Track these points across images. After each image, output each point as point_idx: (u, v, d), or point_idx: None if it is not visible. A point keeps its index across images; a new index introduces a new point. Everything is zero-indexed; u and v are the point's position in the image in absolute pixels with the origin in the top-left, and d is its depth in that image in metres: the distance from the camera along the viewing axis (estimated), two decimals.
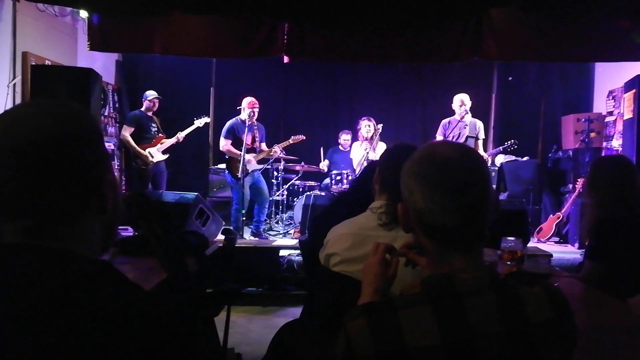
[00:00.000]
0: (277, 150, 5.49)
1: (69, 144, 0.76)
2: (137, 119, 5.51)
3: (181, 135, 5.60)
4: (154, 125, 5.60)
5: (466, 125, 5.26)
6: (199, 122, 5.74)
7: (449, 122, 5.39)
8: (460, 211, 0.87)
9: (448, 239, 0.91)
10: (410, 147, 1.12)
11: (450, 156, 0.89)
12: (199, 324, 1.38)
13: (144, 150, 5.46)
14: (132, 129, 5.46)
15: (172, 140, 5.58)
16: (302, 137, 5.68)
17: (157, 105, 5.62)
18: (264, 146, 5.50)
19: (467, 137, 5.25)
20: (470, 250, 0.91)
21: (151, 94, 5.59)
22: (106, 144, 4.78)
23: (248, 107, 5.25)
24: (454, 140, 5.31)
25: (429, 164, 0.90)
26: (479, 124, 5.36)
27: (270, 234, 5.67)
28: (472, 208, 0.88)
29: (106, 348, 0.67)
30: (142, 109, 5.58)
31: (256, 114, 5.28)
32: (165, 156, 5.60)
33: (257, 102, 5.30)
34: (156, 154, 5.51)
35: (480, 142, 5.38)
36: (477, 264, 0.93)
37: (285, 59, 5.30)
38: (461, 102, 5.26)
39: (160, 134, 5.61)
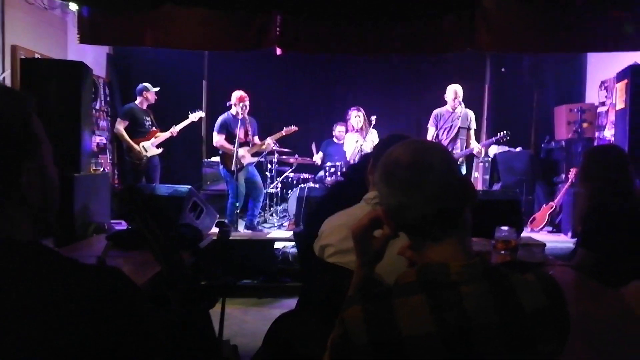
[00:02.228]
0: (270, 142, 5.48)
1: None
2: (131, 112, 5.46)
3: (176, 129, 5.56)
4: (148, 119, 5.56)
5: (458, 116, 5.27)
6: (194, 117, 5.70)
7: (441, 114, 5.39)
8: (417, 206, 0.93)
9: (417, 232, 0.96)
10: (404, 138, 1.12)
11: (399, 158, 0.96)
12: (193, 315, 1.38)
13: (138, 145, 5.41)
14: (127, 123, 5.41)
15: (166, 135, 5.54)
16: (294, 128, 5.66)
17: (154, 98, 5.58)
18: (256, 139, 5.49)
19: (459, 128, 5.26)
20: (442, 239, 0.93)
21: (150, 87, 5.53)
22: (98, 138, 4.72)
23: (238, 101, 5.23)
24: (446, 131, 5.31)
25: (384, 168, 0.98)
26: (471, 114, 5.36)
27: (264, 227, 5.67)
28: (429, 201, 0.92)
29: (43, 327, 0.66)
30: (136, 102, 5.53)
31: (247, 108, 5.26)
32: (159, 150, 5.56)
33: (246, 96, 5.28)
34: (150, 148, 5.47)
35: (472, 132, 5.38)
36: (465, 252, 0.94)
37: (278, 51, 5.27)
38: (454, 93, 5.26)
39: (154, 128, 5.57)
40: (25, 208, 0.76)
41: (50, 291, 0.68)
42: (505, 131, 5.25)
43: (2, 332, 0.65)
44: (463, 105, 5.30)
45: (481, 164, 6.37)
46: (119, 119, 5.50)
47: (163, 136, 5.53)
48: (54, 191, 0.82)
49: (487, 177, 6.44)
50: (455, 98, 5.25)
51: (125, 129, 5.39)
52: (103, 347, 0.69)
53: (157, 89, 5.58)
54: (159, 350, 0.78)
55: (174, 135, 5.57)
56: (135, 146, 5.39)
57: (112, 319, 0.70)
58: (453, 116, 5.29)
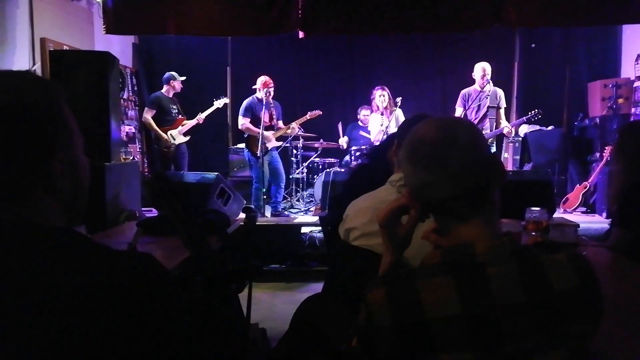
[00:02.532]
0: (295, 127, 5.48)
1: (3, 119, 0.73)
2: (158, 101, 5.55)
3: (202, 116, 5.62)
4: (174, 107, 5.64)
5: (487, 95, 5.13)
6: (219, 103, 5.75)
7: (469, 93, 5.26)
8: (442, 184, 0.90)
9: (442, 212, 0.93)
10: (428, 118, 1.10)
11: (424, 135, 0.93)
12: (218, 298, 1.40)
13: (166, 133, 5.51)
14: (154, 112, 5.50)
15: (193, 122, 5.61)
16: (318, 112, 5.64)
17: (180, 87, 5.64)
18: (281, 124, 5.49)
19: (489, 107, 5.12)
20: (467, 219, 0.91)
21: (177, 76, 5.59)
22: (127, 127, 4.78)
23: (263, 87, 5.24)
24: (474, 111, 5.19)
25: (408, 146, 0.95)
26: (500, 93, 5.21)
27: (291, 212, 5.70)
28: (455, 178, 0.89)
29: (76, 311, 0.67)
30: (163, 91, 5.61)
31: (272, 93, 5.26)
32: (187, 138, 5.64)
33: (271, 81, 5.27)
34: (177, 136, 5.56)
35: (502, 111, 5.24)
36: (492, 232, 0.91)
37: (301, 35, 5.23)
38: (483, 71, 5.12)
39: (181, 116, 5.65)
40: (57, 196, 0.78)
41: (82, 275, 0.69)
42: (536, 110, 5.08)
43: (36, 315, 0.67)
44: (492, 83, 5.16)
45: (511, 144, 6.22)
46: (146, 108, 5.60)
47: (190, 124, 5.60)
48: (85, 180, 0.84)
49: (518, 157, 6.29)
50: (484, 76, 5.11)
51: (153, 117, 5.48)
52: (135, 329, 0.70)
53: (184, 78, 5.64)
54: (188, 332, 0.79)
55: (200, 122, 5.63)
56: (164, 134, 5.48)
57: (144, 303, 0.71)
58: (481, 95, 5.16)
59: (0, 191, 0.74)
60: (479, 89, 5.17)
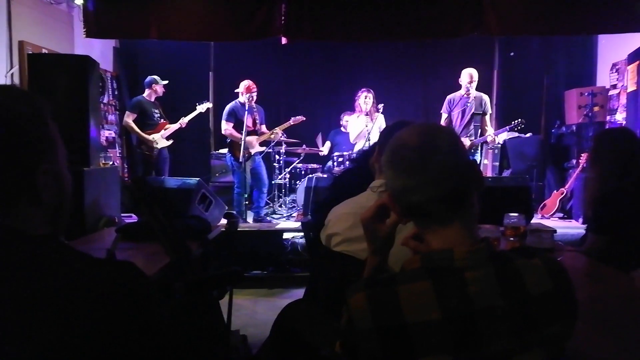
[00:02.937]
0: (278, 132, 5.47)
1: None
2: (139, 105, 5.48)
3: (184, 120, 5.58)
4: (156, 111, 5.58)
5: (472, 101, 5.15)
6: (201, 108, 5.71)
7: (454, 99, 5.30)
8: (423, 188, 0.92)
9: (422, 215, 0.95)
10: (410, 124, 1.12)
11: (406, 140, 0.95)
12: (202, 305, 1.39)
13: (149, 136, 5.45)
14: (135, 115, 5.43)
15: (176, 126, 5.56)
16: (302, 118, 5.64)
17: (162, 91, 5.60)
18: (264, 128, 5.49)
19: (474, 113, 5.16)
20: (446, 223, 0.93)
21: (159, 79, 5.54)
22: (107, 132, 4.71)
23: (245, 91, 5.23)
24: (459, 117, 5.22)
25: (391, 151, 0.97)
26: (485, 99, 5.24)
27: (273, 217, 5.68)
28: (433, 184, 0.91)
29: (57, 319, 0.68)
30: (145, 94, 5.55)
31: (255, 97, 5.26)
32: (169, 142, 5.59)
33: (254, 86, 5.27)
34: (160, 140, 5.50)
35: (487, 118, 5.27)
36: (470, 237, 0.93)
37: (284, 40, 5.24)
38: (470, 77, 5.11)
39: (163, 120, 5.59)
40: (40, 207, 0.79)
41: (64, 284, 0.70)
42: (519, 119, 5.14)
43: (16, 323, 0.67)
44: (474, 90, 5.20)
45: (490, 151, 6.31)
46: (127, 112, 5.52)
47: (172, 128, 5.55)
48: (68, 192, 0.85)
49: (497, 163, 6.38)
50: (471, 82, 5.12)
51: (134, 121, 5.42)
52: (117, 337, 0.71)
53: (166, 82, 5.59)
54: (169, 340, 0.79)
55: (183, 126, 5.59)
56: (147, 137, 5.42)
57: (124, 311, 0.71)
58: (467, 101, 5.19)
59: None
60: (465, 95, 5.20)
